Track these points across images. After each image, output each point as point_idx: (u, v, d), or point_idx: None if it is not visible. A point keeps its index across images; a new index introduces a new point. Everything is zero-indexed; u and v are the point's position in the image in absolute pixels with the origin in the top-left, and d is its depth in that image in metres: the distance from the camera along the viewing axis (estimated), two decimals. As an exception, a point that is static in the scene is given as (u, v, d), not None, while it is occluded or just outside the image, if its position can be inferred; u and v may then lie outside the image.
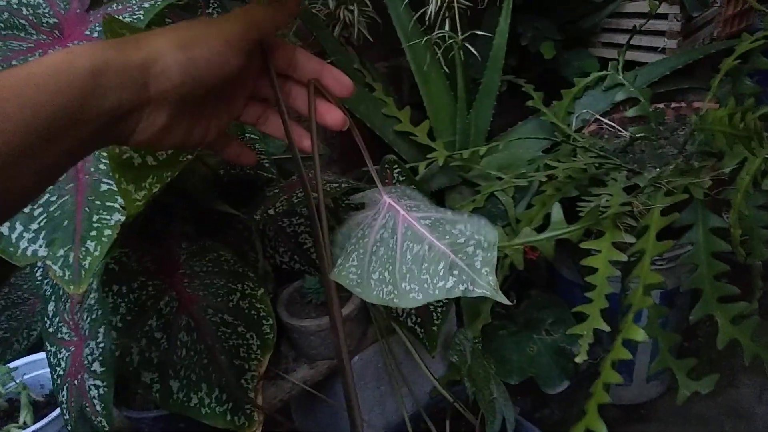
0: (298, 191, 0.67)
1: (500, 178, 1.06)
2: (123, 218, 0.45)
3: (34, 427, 0.54)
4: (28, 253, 0.43)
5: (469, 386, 0.77)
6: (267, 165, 0.76)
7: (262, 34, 0.39)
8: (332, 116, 0.44)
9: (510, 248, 0.81)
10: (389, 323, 0.72)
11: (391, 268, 0.45)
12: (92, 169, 0.46)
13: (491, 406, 0.75)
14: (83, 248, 0.43)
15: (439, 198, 1.10)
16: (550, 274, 1.17)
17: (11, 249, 0.43)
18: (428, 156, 1.09)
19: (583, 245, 0.81)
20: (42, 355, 0.63)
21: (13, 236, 0.44)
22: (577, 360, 0.70)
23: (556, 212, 0.81)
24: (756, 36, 0.96)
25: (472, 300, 0.87)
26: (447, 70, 1.10)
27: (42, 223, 0.44)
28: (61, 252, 0.43)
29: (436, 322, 0.72)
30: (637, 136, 1.06)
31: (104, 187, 0.46)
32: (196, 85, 0.35)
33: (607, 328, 0.72)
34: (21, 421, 0.55)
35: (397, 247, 0.49)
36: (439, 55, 1.03)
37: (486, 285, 0.40)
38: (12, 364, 0.64)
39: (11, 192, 0.30)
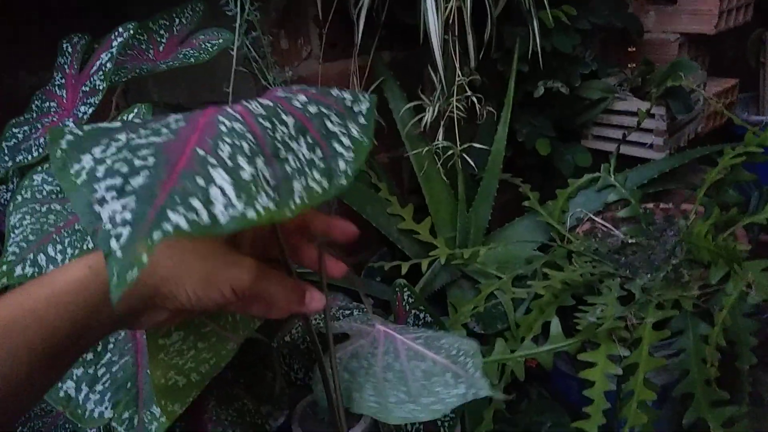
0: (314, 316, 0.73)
1: (499, 277, 1.13)
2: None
3: None
4: (95, 415, 0.48)
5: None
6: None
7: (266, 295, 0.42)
8: (336, 270, 0.48)
9: (512, 360, 0.86)
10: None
11: (405, 388, 0.52)
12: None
13: None
14: (148, 412, 0.48)
15: (441, 295, 1.16)
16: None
17: (79, 411, 0.48)
18: (430, 254, 1.16)
19: (580, 357, 0.87)
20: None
21: (80, 397, 0.49)
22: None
23: (555, 326, 0.88)
24: (736, 151, 1.04)
25: (475, 407, 0.92)
26: (446, 177, 1.18)
27: (106, 384, 0.49)
28: (126, 414, 0.48)
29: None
30: (629, 240, 1.13)
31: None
32: (198, 309, 0.40)
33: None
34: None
35: (405, 369, 0.56)
36: (439, 164, 1.11)
37: (486, 386, 0.48)
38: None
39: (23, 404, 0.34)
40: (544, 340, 0.93)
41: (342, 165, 0.40)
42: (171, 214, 0.30)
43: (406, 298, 0.79)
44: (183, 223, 0.30)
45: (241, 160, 0.35)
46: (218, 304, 0.40)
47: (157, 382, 0.48)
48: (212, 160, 0.33)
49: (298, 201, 0.37)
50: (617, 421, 0.82)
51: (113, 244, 0.28)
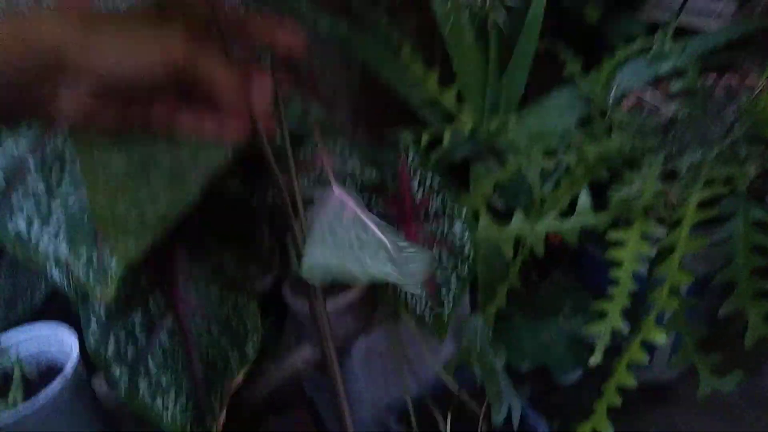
0: (313, 170, 0.65)
1: (528, 154, 1.02)
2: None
3: (22, 406, 0.55)
4: (50, 252, 0.42)
5: (480, 372, 0.76)
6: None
7: None
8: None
9: (531, 234, 0.77)
10: (396, 308, 0.70)
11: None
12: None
13: (498, 396, 0.74)
14: (108, 250, 0.42)
15: (462, 170, 1.07)
16: (575, 249, 1.13)
17: (30, 250, 0.43)
18: (454, 124, 1.05)
19: (610, 235, 0.78)
20: (40, 329, 0.63)
21: (32, 234, 0.43)
22: (591, 362, 0.68)
23: (584, 199, 0.78)
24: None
25: (488, 282, 0.85)
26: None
27: (60, 219, 0.43)
28: (83, 251, 0.42)
29: (448, 309, 0.70)
30: (680, 114, 0.99)
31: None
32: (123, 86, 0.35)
33: (626, 330, 0.69)
34: (11, 398, 0.55)
35: (344, 233, 0.53)
36: (469, 16, 0.98)
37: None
38: (8, 334, 0.64)
39: None
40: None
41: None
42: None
43: (411, 158, 0.70)
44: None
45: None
46: (147, 83, 0.34)
47: (100, 212, 0.41)
48: None
49: None
50: (644, 306, 0.73)
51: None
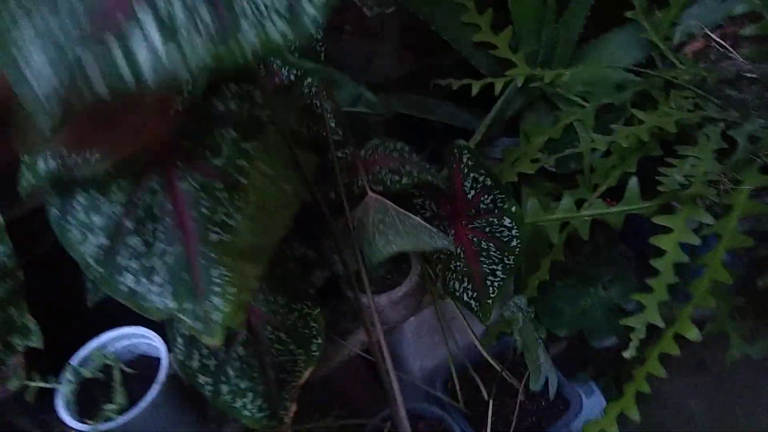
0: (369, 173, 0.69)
1: (582, 106, 1.01)
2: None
3: (124, 415, 0.63)
4: (159, 306, 0.49)
5: (520, 342, 0.83)
6: (332, 124, 0.76)
7: None
8: None
9: (578, 220, 0.80)
10: (443, 296, 0.76)
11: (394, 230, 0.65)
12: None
13: (537, 367, 0.82)
14: (207, 302, 0.48)
15: (514, 122, 1.06)
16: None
17: (144, 304, 0.49)
18: (507, 73, 1.03)
19: (656, 220, 0.80)
20: (130, 330, 0.71)
21: (142, 290, 0.49)
22: (626, 356, 0.73)
23: (633, 185, 0.79)
24: None
25: (532, 255, 0.89)
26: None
27: (164, 276, 0.49)
28: (188, 305, 0.48)
29: (492, 295, 0.75)
30: (748, 67, 0.95)
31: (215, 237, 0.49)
32: None
33: (662, 324, 0.73)
34: (116, 401, 0.64)
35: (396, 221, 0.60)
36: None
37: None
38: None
39: None
40: (619, 195, 0.84)
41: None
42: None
43: (465, 161, 0.72)
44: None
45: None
46: None
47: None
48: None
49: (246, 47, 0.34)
50: (682, 294, 0.77)
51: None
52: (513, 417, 0.80)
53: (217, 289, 0.50)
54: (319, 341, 0.69)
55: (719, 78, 0.98)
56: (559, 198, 0.98)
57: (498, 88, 1.04)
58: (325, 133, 0.75)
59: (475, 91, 1.03)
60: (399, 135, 0.82)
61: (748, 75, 0.95)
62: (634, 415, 0.74)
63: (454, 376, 0.83)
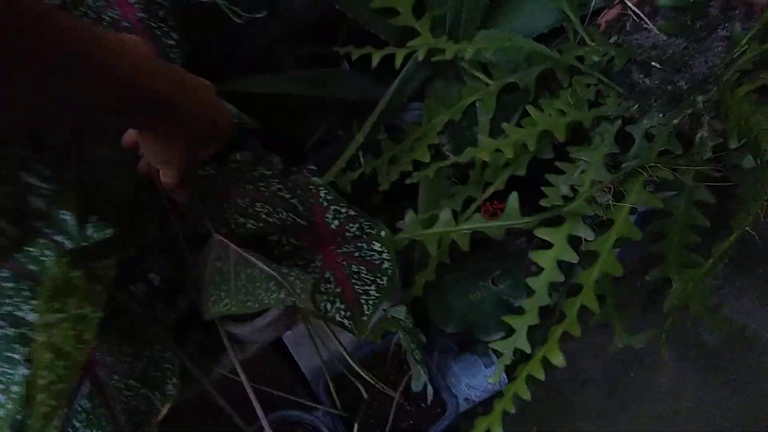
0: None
1: (486, 83, 0.95)
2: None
3: None
4: None
5: (407, 344, 0.83)
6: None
7: None
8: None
9: (456, 234, 0.78)
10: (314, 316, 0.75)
11: (225, 287, 0.61)
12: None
13: (417, 371, 0.83)
14: None
15: (420, 92, 1.00)
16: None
17: None
18: (408, 44, 0.96)
19: (537, 233, 0.78)
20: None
21: None
22: (490, 381, 0.74)
23: (512, 201, 0.77)
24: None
25: (422, 258, 0.88)
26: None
27: None
28: None
29: (367, 312, 0.75)
30: (663, 39, 0.89)
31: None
32: None
33: (529, 350, 0.74)
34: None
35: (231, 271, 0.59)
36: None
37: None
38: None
39: None
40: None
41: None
42: None
43: (323, 196, 0.67)
44: None
45: None
46: None
47: None
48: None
49: None
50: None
51: None
52: (390, 420, 0.83)
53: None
54: (174, 381, 0.68)
55: (628, 57, 0.92)
56: (456, 182, 0.96)
57: (398, 60, 0.96)
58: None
59: (375, 62, 0.96)
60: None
61: (655, 65, 0.90)
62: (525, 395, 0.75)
63: (329, 382, 0.84)
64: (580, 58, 0.90)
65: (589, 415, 1.17)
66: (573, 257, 0.76)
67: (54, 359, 0.58)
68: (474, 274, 0.92)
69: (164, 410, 0.68)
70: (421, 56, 0.95)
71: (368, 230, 0.73)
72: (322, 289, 0.75)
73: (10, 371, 0.50)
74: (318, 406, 0.86)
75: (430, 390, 0.84)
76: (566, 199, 0.78)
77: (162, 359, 0.67)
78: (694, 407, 1.15)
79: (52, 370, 0.58)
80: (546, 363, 0.74)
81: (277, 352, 0.86)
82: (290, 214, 0.66)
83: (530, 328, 0.76)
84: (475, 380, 1.09)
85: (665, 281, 0.89)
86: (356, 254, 0.73)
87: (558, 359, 0.73)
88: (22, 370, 0.51)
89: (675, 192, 0.84)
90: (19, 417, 0.51)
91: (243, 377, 0.72)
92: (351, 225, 0.72)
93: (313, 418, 0.82)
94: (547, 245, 0.79)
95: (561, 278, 0.76)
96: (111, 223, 0.54)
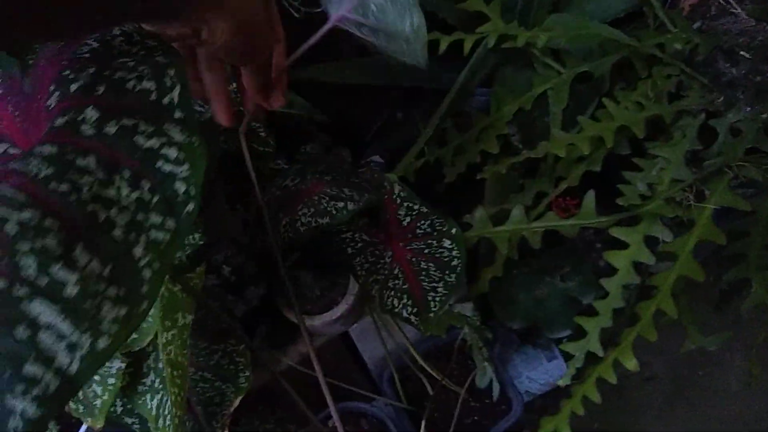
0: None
1: (559, 72, 0.92)
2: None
3: None
4: None
5: (473, 341, 0.83)
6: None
7: None
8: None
9: (527, 231, 0.76)
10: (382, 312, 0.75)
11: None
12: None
13: (483, 367, 0.83)
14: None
15: (488, 78, 0.98)
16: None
17: None
18: (478, 30, 0.93)
19: (613, 232, 0.76)
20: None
21: None
22: (560, 383, 0.73)
23: (589, 200, 0.74)
24: None
25: (487, 253, 0.86)
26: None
27: None
28: None
29: (434, 309, 0.74)
30: (751, 25, 0.84)
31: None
32: None
33: (601, 353, 0.72)
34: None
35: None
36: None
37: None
38: None
39: None
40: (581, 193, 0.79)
41: (179, 187, 0.32)
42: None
43: (397, 192, 0.67)
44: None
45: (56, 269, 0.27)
46: None
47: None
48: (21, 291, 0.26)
49: (148, 275, 0.30)
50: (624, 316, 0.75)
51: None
52: (455, 416, 0.83)
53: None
54: (247, 374, 0.69)
55: (714, 45, 0.87)
56: (525, 176, 0.93)
57: (467, 46, 0.94)
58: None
59: (443, 47, 0.93)
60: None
61: (741, 53, 0.85)
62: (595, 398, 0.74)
63: (395, 374, 0.84)
64: (661, 46, 0.86)
65: (652, 413, 1.15)
66: (650, 259, 0.74)
67: (172, 373, 0.59)
68: (541, 270, 0.90)
69: (236, 401, 0.70)
70: (491, 42, 0.92)
71: (439, 227, 0.72)
72: (390, 285, 0.75)
73: (108, 364, 0.51)
74: (381, 399, 0.86)
75: (496, 387, 0.84)
76: (644, 198, 0.76)
77: (235, 352, 0.68)
78: (763, 409, 1.12)
79: (174, 385, 0.60)
80: (617, 365, 0.73)
81: (342, 344, 0.87)
82: (361, 208, 0.66)
83: (602, 330, 0.75)
84: (536, 373, 1.08)
85: (742, 282, 0.86)
86: (426, 251, 0.73)
87: (631, 363, 0.72)
88: (118, 364, 0.53)
89: (760, 189, 0.81)
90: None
91: (317, 366, 0.73)
92: (422, 222, 0.71)
93: (378, 410, 0.83)
94: (621, 244, 0.77)
95: (636, 280, 0.74)
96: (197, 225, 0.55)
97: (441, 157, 0.97)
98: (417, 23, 0.65)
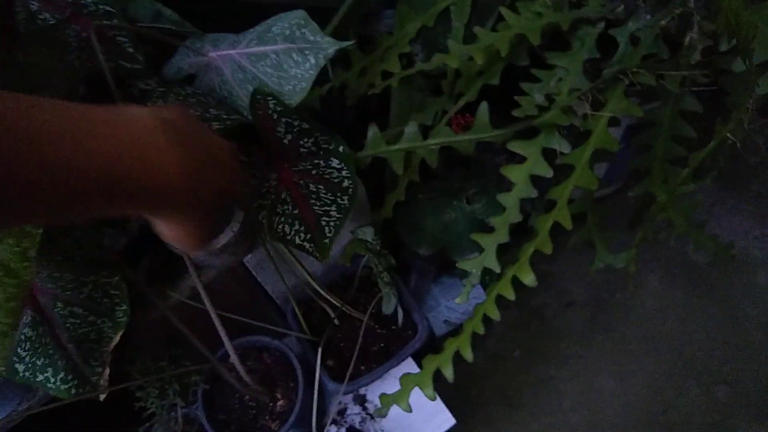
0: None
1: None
2: None
3: None
4: None
5: (375, 267, 0.81)
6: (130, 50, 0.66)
7: None
8: None
9: (422, 148, 0.73)
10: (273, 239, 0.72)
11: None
12: None
13: (388, 293, 0.81)
14: None
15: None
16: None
17: None
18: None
19: (510, 147, 0.74)
20: None
21: None
22: (458, 302, 0.71)
23: (482, 113, 0.72)
24: None
25: (392, 178, 0.83)
26: None
27: None
28: None
29: (329, 235, 0.71)
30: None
31: None
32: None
33: (498, 269, 0.71)
34: None
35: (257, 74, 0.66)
36: None
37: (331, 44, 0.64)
38: None
39: None
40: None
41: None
42: None
43: (272, 107, 0.62)
44: None
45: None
46: None
47: None
48: None
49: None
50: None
51: None
52: (359, 342, 0.81)
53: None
54: (124, 307, 0.65)
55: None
56: (429, 95, 0.90)
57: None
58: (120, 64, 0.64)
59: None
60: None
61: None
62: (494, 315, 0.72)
63: (295, 307, 0.82)
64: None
65: (572, 337, 1.16)
66: (547, 171, 0.72)
67: (3, 276, 0.55)
68: (447, 193, 0.88)
69: (116, 338, 0.66)
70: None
71: (325, 146, 0.68)
72: (279, 211, 0.71)
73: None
74: (288, 332, 0.84)
75: (400, 312, 0.82)
76: (542, 110, 0.73)
77: (109, 285, 0.64)
78: (678, 327, 1.14)
79: (3, 289, 0.56)
80: (517, 283, 0.71)
81: (252, 279, 0.83)
82: (230, 127, 0.62)
83: (502, 247, 0.73)
84: (454, 302, 1.08)
85: (651, 198, 0.86)
86: (314, 172, 0.69)
87: (529, 278, 0.70)
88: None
89: (660, 102, 0.79)
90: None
91: (206, 301, 0.69)
92: (306, 140, 0.67)
93: (280, 344, 0.80)
94: (522, 160, 0.75)
95: (534, 193, 0.72)
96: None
97: (346, 81, 0.92)
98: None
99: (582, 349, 1.14)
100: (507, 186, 0.80)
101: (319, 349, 0.78)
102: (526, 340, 1.16)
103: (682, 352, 1.12)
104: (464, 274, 0.85)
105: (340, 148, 0.68)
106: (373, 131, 0.74)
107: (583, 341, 1.15)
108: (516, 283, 0.73)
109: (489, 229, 0.78)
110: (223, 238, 0.72)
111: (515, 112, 0.72)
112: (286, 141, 0.67)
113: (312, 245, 0.73)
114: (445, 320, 1.09)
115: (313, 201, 0.71)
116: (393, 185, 0.84)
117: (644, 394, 1.08)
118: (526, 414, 1.09)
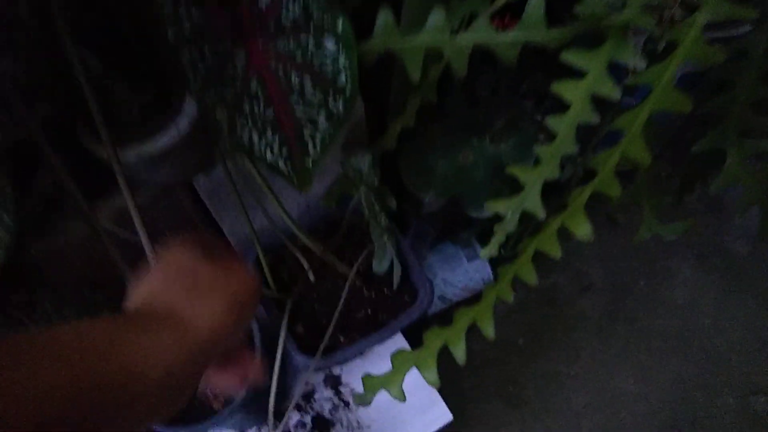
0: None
1: None
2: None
3: None
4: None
5: (366, 212, 0.61)
6: None
7: None
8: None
9: (450, 47, 0.54)
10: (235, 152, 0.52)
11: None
12: None
13: (381, 245, 0.61)
14: None
15: None
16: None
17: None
18: None
19: (564, 57, 0.55)
20: None
21: None
22: (482, 255, 0.52)
23: (535, 5, 0.52)
24: None
25: (399, 96, 0.64)
26: None
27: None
28: None
29: (312, 153, 0.52)
30: None
31: None
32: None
33: (542, 215, 0.52)
34: None
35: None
36: None
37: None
38: None
39: None
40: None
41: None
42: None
43: None
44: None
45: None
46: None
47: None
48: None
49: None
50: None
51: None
52: (339, 305, 0.61)
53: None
54: (6, 220, 0.45)
55: None
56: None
57: None
58: None
59: None
60: None
61: None
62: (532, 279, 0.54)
63: (260, 254, 0.61)
64: None
65: (587, 327, 0.98)
66: (613, 91, 0.53)
67: None
68: (467, 128, 0.68)
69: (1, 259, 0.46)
70: None
71: (317, 18, 0.48)
72: (246, 109, 0.51)
73: None
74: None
75: (397, 268, 0.62)
76: (611, 11, 0.54)
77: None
78: (711, 324, 0.97)
79: None
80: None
81: (198, 210, 0.63)
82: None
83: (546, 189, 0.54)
84: (453, 275, 0.88)
85: (713, 158, 0.68)
86: (298, 55, 0.49)
87: (582, 228, 0.51)
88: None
89: (754, 26, 0.61)
90: None
91: (141, 230, 0.49)
92: (290, 4, 0.47)
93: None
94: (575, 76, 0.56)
95: (596, 119, 0.53)
96: None
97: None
98: None
99: (598, 342, 0.96)
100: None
101: (287, 309, 0.58)
102: (534, 325, 0.97)
103: (715, 352, 0.94)
104: (468, 243, 0.67)
105: (339, 23, 0.48)
106: (385, 16, 0.54)
107: (600, 333, 0.97)
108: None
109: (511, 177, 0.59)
110: (164, 138, 0.52)
111: (579, 7, 0.53)
112: (262, 5, 0.46)
113: (288, 165, 0.54)
114: (441, 296, 0.90)
115: (294, 100, 0.51)
116: (400, 106, 0.64)
117: (669, 399, 0.91)
118: (528, 413, 0.91)
